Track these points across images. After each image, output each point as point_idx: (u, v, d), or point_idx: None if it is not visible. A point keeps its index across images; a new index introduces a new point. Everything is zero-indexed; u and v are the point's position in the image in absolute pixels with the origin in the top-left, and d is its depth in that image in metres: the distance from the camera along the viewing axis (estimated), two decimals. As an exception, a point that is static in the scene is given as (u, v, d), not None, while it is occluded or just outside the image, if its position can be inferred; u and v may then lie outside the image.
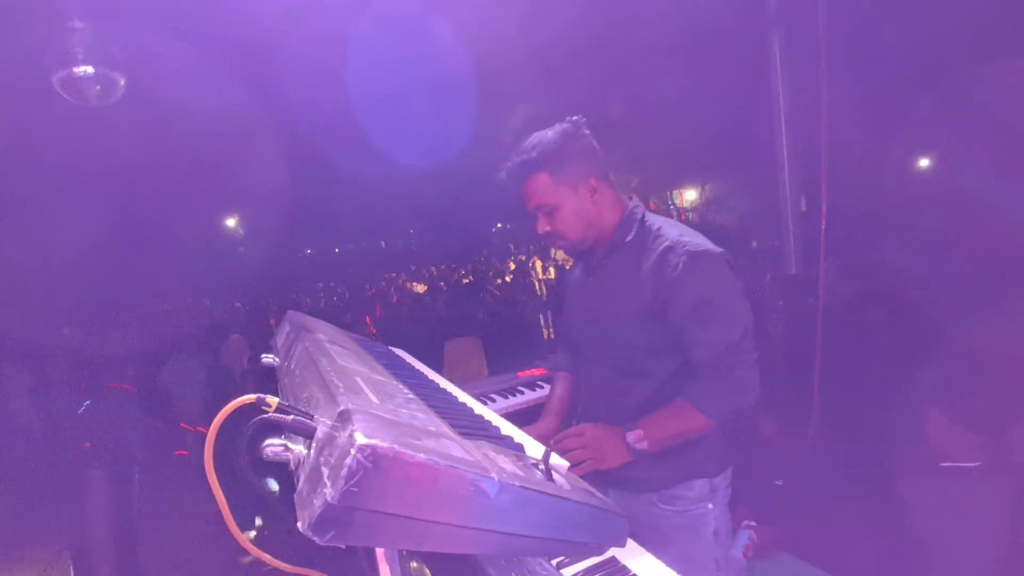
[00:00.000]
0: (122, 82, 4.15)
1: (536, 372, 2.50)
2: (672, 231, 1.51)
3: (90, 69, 3.95)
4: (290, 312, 1.67)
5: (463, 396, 1.32)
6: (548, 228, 1.57)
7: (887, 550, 2.05)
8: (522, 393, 2.33)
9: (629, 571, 1.05)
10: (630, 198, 1.64)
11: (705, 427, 1.43)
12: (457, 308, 7.74)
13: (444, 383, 1.44)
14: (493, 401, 2.27)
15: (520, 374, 2.50)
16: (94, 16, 3.81)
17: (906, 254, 3.13)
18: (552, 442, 1.48)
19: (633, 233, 1.55)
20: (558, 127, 1.56)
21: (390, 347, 1.84)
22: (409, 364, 1.57)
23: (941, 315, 2.56)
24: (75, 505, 3.24)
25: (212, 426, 0.77)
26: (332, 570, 1.04)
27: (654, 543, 1.53)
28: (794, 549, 2.47)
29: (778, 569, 2.41)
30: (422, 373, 1.49)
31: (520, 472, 0.69)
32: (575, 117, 1.58)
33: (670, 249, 1.46)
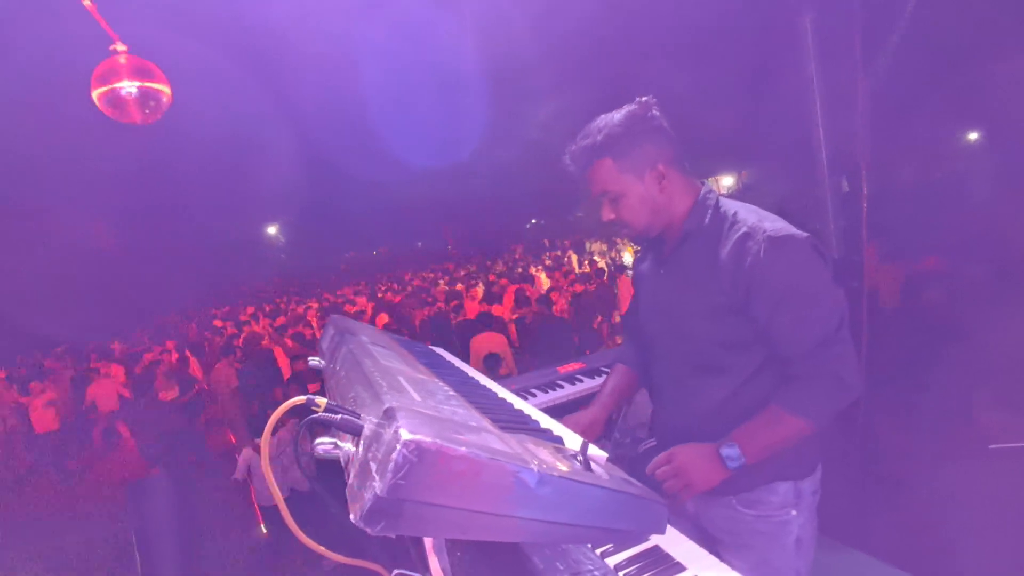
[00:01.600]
0: (165, 100, 4.33)
1: (576, 366, 2.51)
2: (750, 216, 1.38)
3: (134, 88, 4.13)
4: (333, 316, 1.73)
5: (502, 392, 1.34)
6: (612, 216, 1.49)
7: (937, 535, 2.00)
8: (562, 387, 2.34)
9: (672, 559, 1.06)
10: (703, 182, 1.51)
11: (804, 432, 1.32)
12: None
13: (483, 379, 1.46)
14: (533, 396, 2.30)
15: (560, 369, 2.51)
16: (135, 36, 3.97)
17: (956, 232, 3.01)
18: (646, 472, 1.39)
19: (707, 220, 1.43)
20: (625, 108, 1.44)
21: (431, 347, 1.88)
22: (449, 362, 1.61)
23: (992, 293, 2.46)
24: (139, 504, 3.41)
25: (267, 426, 0.82)
26: (386, 562, 1.09)
27: (731, 546, 1.47)
28: (844, 538, 2.42)
29: (833, 560, 2.37)
30: (461, 370, 1.52)
31: (559, 463, 0.71)
32: (644, 98, 1.45)
33: (748, 236, 1.34)
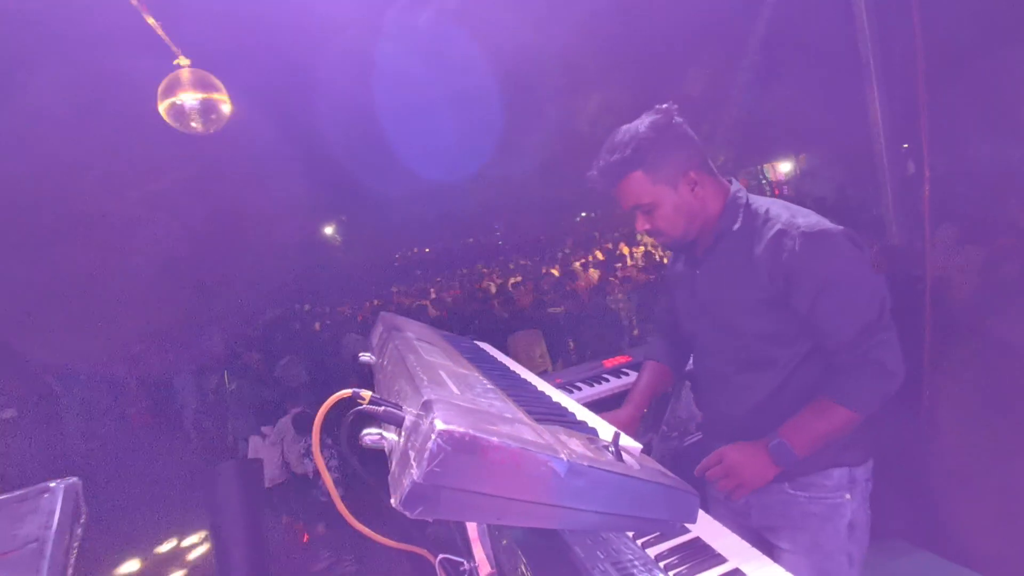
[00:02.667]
0: (226, 111, 4.55)
1: (622, 360, 2.52)
2: (782, 213, 1.39)
3: (196, 101, 4.36)
4: (383, 313, 1.80)
5: (542, 385, 1.38)
6: (648, 226, 1.48)
7: (1008, 535, 1.91)
8: (607, 381, 2.36)
9: (713, 550, 1.07)
10: (730, 181, 1.52)
11: (851, 422, 1.33)
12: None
13: (526, 374, 1.50)
14: (579, 389, 2.32)
15: (606, 362, 2.52)
16: (195, 48, 4.18)
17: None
18: (695, 473, 1.43)
19: (740, 221, 1.44)
20: (647, 119, 1.43)
21: (476, 342, 1.93)
22: (492, 357, 1.65)
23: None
24: (211, 493, 3.63)
25: (317, 417, 0.88)
26: (433, 548, 1.14)
27: (784, 529, 1.48)
28: (909, 537, 2.34)
29: (899, 558, 2.29)
30: (504, 365, 1.56)
31: (590, 453, 0.74)
32: (665, 105, 1.44)
33: (783, 233, 1.35)
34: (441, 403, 0.72)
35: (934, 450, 2.42)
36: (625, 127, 1.44)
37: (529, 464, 0.66)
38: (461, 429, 0.64)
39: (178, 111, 4.35)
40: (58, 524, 1.20)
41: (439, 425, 0.64)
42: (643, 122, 1.43)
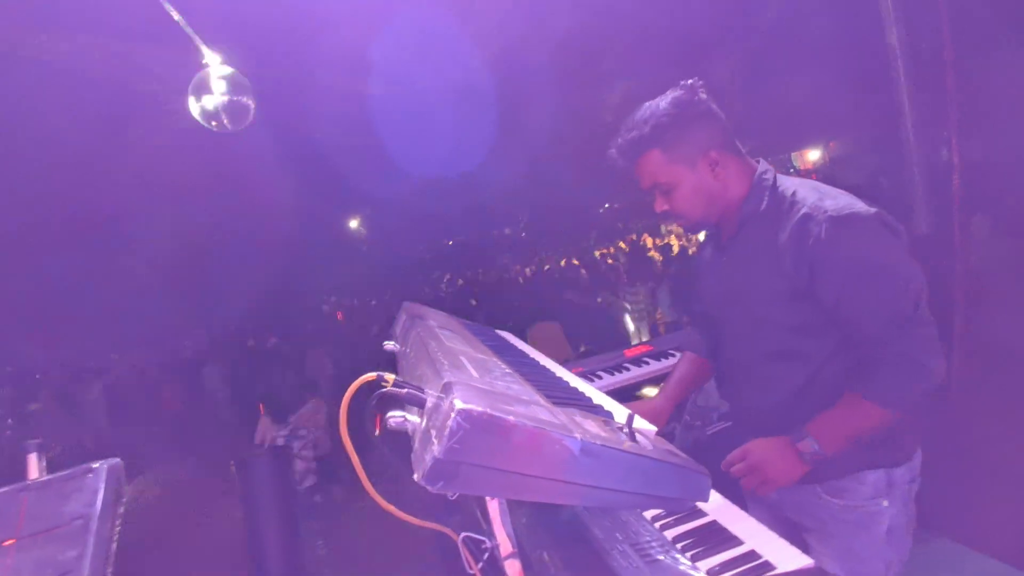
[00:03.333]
0: (251, 109, 4.64)
1: (643, 349, 2.53)
2: (810, 195, 1.31)
3: (224, 99, 4.45)
4: (406, 303, 1.84)
5: (560, 371, 1.40)
6: (666, 207, 1.43)
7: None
8: (628, 370, 2.37)
9: (729, 532, 1.09)
10: (758, 162, 1.44)
11: (885, 419, 1.24)
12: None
13: (545, 361, 1.53)
14: (600, 378, 2.34)
15: (627, 352, 2.54)
16: (222, 43, 4.25)
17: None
18: (722, 467, 1.35)
19: (764, 203, 1.37)
20: (670, 95, 1.37)
21: (497, 331, 1.97)
22: (513, 345, 1.69)
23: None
24: (246, 481, 3.75)
25: (344, 399, 0.92)
26: (455, 527, 1.18)
27: (814, 532, 1.41)
28: (940, 528, 2.31)
29: (930, 552, 2.26)
30: (524, 352, 1.59)
31: (604, 433, 0.76)
32: (689, 81, 1.38)
33: (808, 217, 1.26)
34: (460, 385, 0.76)
35: (972, 444, 2.36)
36: (647, 103, 1.39)
37: (544, 442, 0.69)
38: (480, 408, 0.67)
39: (206, 109, 4.45)
40: (102, 502, 1.26)
41: (458, 404, 0.67)
42: (665, 98, 1.37)
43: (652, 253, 11.16)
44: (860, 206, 1.26)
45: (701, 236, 1.90)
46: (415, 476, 0.73)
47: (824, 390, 1.32)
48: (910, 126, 2.71)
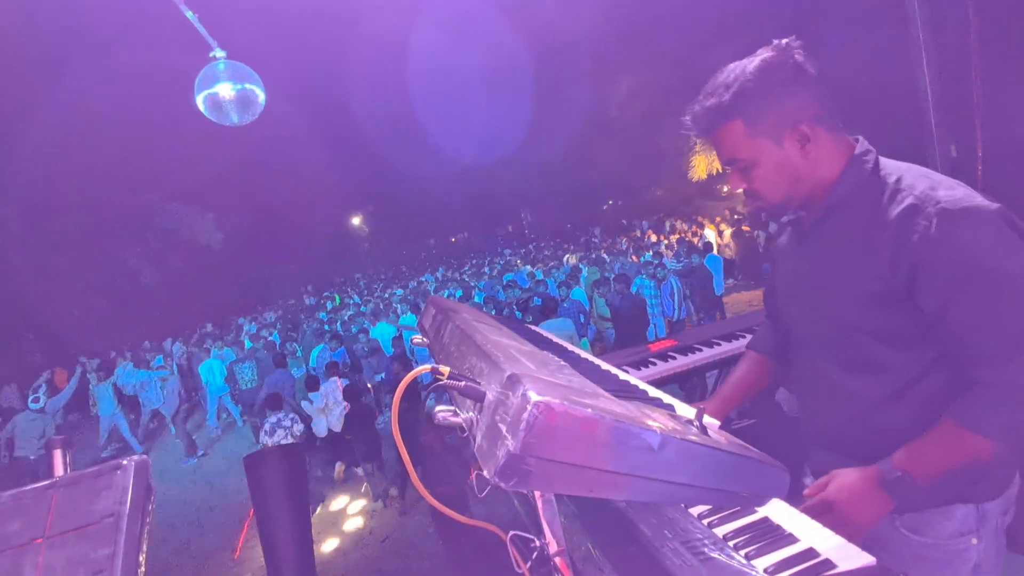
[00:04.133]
0: (260, 102, 4.62)
1: (668, 343, 2.48)
2: (919, 183, 1.10)
3: (232, 92, 4.42)
4: (432, 297, 1.81)
5: (605, 365, 1.37)
6: (743, 186, 1.24)
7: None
8: (654, 364, 2.33)
9: (783, 530, 1.05)
10: (857, 139, 1.23)
11: (985, 452, 1.08)
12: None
13: (584, 354, 1.50)
14: (625, 372, 2.30)
15: (651, 346, 2.49)
16: (230, 41, 4.23)
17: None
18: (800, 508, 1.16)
19: (861, 189, 1.17)
20: (759, 56, 1.16)
21: (528, 326, 1.93)
22: (547, 338, 1.65)
23: None
24: (256, 475, 3.72)
25: (396, 393, 0.88)
26: (502, 525, 1.15)
27: (889, 561, 1.24)
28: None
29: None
30: (561, 346, 1.56)
31: (677, 427, 0.73)
32: (784, 41, 1.16)
33: (916, 209, 1.07)
34: (527, 377, 0.72)
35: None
36: (733, 65, 1.19)
37: (622, 436, 0.66)
38: (556, 400, 0.64)
39: (215, 103, 4.42)
40: (132, 499, 1.23)
41: (533, 397, 0.64)
42: (753, 60, 1.16)
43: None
44: (980, 199, 1.07)
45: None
46: (485, 472, 0.69)
47: (909, 412, 1.17)
48: (932, 116, 2.68)
